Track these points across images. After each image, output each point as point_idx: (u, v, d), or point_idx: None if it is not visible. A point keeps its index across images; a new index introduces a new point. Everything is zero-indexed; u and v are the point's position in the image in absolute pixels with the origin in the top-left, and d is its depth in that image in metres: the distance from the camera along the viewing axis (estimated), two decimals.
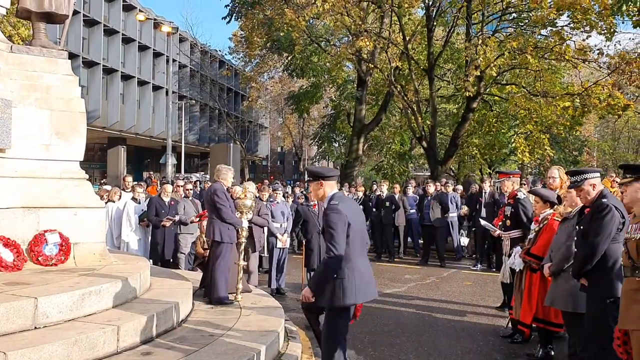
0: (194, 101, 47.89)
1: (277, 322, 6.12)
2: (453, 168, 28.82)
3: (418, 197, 14.42)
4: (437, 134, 25.50)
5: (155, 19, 39.59)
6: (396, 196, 14.12)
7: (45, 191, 6.54)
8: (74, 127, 6.88)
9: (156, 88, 45.06)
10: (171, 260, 10.69)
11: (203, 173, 44.81)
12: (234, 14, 24.35)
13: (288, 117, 42.16)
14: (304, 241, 9.78)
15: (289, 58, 24.91)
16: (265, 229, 9.23)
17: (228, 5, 24.27)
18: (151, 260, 10.42)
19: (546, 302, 5.47)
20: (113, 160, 42.85)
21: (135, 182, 12.09)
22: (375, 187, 14.85)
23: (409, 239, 14.92)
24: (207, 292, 7.10)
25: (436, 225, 13.22)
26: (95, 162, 48.10)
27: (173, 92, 46.39)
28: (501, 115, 22.66)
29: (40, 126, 6.64)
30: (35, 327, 4.67)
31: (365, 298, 4.47)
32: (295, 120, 44.17)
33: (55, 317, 4.84)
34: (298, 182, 26.19)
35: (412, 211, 14.18)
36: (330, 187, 4.64)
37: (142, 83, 43.83)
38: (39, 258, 6.30)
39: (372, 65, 21.23)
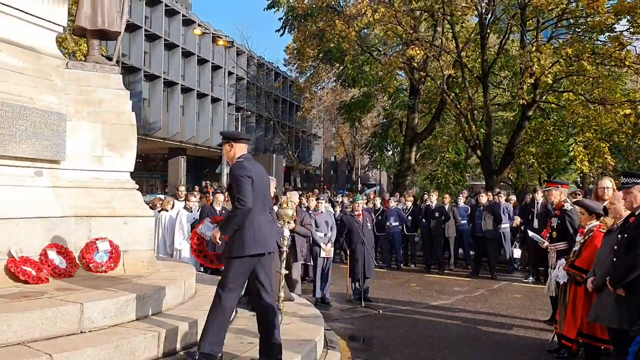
0: (249, 112, 48.78)
1: (316, 331, 6.17)
2: (512, 177, 28.15)
3: (469, 208, 14.20)
4: (494, 143, 24.99)
5: (213, 33, 40.69)
6: (446, 207, 13.95)
7: (96, 201, 6.83)
8: (125, 140, 7.17)
9: (214, 100, 46.17)
10: (220, 267, 10.91)
11: None
12: (287, 27, 24.76)
13: (341, 126, 42.31)
14: (348, 251, 9.80)
15: (341, 68, 25.07)
16: (310, 238, 9.28)
17: (281, 19, 24.73)
18: (202, 268, 10.72)
19: (590, 318, 5.29)
20: (174, 170, 44.18)
21: (188, 192, 12.43)
22: (426, 197, 14.72)
23: (460, 251, 14.71)
24: (250, 300, 7.21)
25: (488, 236, 12.97)
26: (157, 171, 49.74)
27: (230, 104, 47.52)
28: (558, 123, 22.01)
29: (93, 139, 6.95)
30: (81, 332, 4.88)
31: (262, 249, 4.78)
32: (348, 130, 44.25)
33: (100, 322, 5.04)
34: (348, 192, 26.19)
35: (463, 222, 13.98)
36: (240, 149, 5.00)
37: (201, 95, 45.02)
38: (90, 265, 6.58)
39: (424, 74, 21.07)
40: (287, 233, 7.21)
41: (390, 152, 33.67)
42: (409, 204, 14.85)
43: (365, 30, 23.68)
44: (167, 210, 11.13)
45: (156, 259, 7.92)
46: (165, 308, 5.85)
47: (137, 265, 6.89)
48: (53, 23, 7.08)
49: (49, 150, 6.51)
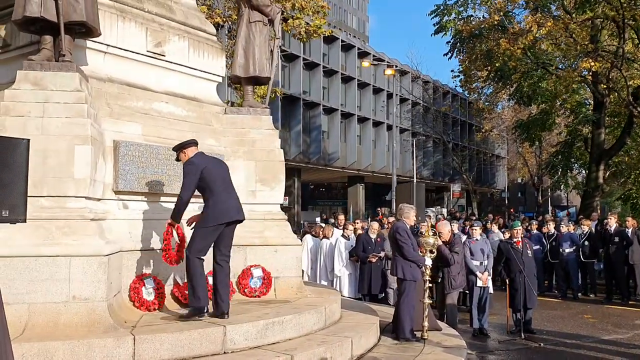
0: (424, 137, 48.68)
1: None
2: None
3: None
4: None
5: (387, 62, 41.52)
6: (628, 231, 12.59)
7: (251, 231, 7.46)
8: (275, 175, 7.79)
9: (390, 127, 46.94)
10: (379, 295, 11.10)
11: (439, 207, 45.03)
12: (455, 50, 24.49)
13: (524, 145, 40.24)
14: (507, 280, 9.37)
15: (515, 86, 24.05)
16: (462, 266, 9.01)
17: (449, 42, 24.57)
18: (361, 295, 11.03)
19: None
20: (353, 197, 45.65)
21: (348, 220, 12.88)
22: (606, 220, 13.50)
23: None
24: (394, 328, 7.30)
25: None
26: (337, 199, 51.75)
27: (406, 130, 47.93)
28: None
29: (247, 175, 7.67)
30: (224, 352, 5.39)
31: (222, 220, 5.80)
32: (532, 149, 41.90)
33: (242, 344, 5.52)
34: (526, 217, 24.74)
35: None
36: (191, 151, 5.92)
37: (376, 124, 46.11)
38: (245, 290, 7.22)
39: (605, 86, 19.39)
40: (428, 262, 7.20)
41: (576, 172, 31.22)
42: (585, 228, 13.68)
43: (543, 46, 22.56)
44: (327, 238, 11.64)
45: (307, 285, 8.42)
46: (305, 332, 6.18)
47: (287, 291, 7.39)
48: (212, 74, 8.00)
49: None
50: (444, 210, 40.69)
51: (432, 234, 7.39)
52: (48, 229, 5.38)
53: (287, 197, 38.82)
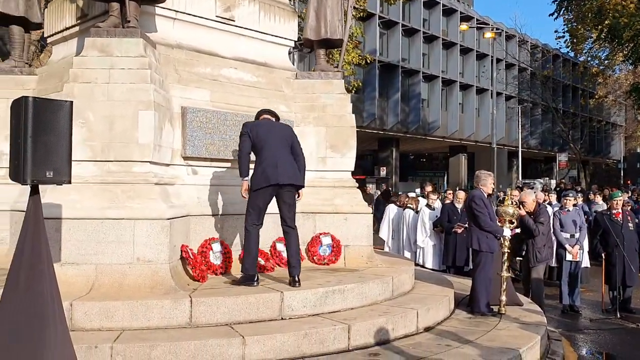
0: (530, 105, 46.02)
1: (527, 340, 5.60)
2: None
3: None
4: None
5: (492, 26, 39.44)
6: None
7: (320, 199, 7.35)
8: (346, 141, 7.56)
9: (496, 95, 44.77)
10: (465, 267, 10.63)
11: (548, 178, 42.75)
12: (562, 9, 22.69)
13: None
14: (603, 254, 8.61)
15: (630, 47, 21.93)
16: (549, 238, 8.35)
17: (555, 1, 22.78)
18: (444, 266, 10.64)
19: None
20: (454, 168, 44.33)
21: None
22: None
23: None
24: (470, 301, 6.93)
25: None
26: (439, 170, 50.53)
27: (512, 97, 45.54)
28: None
29: (317, 141, 7.51)
30: (282, 318, 5.32)
31: (263, 184, 5.77)
32: None
33: (300, 310, 5.42)
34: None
35: None
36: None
37: (480, 91, 44.13)
38: (314, 257, 7.13)
39: None
40: (507, 233, 6.72)
41: None
42: None
43: None
44: (412, 208, 11.28)
45: (383, 255, 8.23)
46: (369, 302, 5.99)
47: (357, 260, 7.22)
48: (284, 38, 7.86)
49: None
50: (553, 182, 38.56)
51: (512, 203, 6.87)
52: (114, 192, 5.54)
53: (384, 168, 38.52)
